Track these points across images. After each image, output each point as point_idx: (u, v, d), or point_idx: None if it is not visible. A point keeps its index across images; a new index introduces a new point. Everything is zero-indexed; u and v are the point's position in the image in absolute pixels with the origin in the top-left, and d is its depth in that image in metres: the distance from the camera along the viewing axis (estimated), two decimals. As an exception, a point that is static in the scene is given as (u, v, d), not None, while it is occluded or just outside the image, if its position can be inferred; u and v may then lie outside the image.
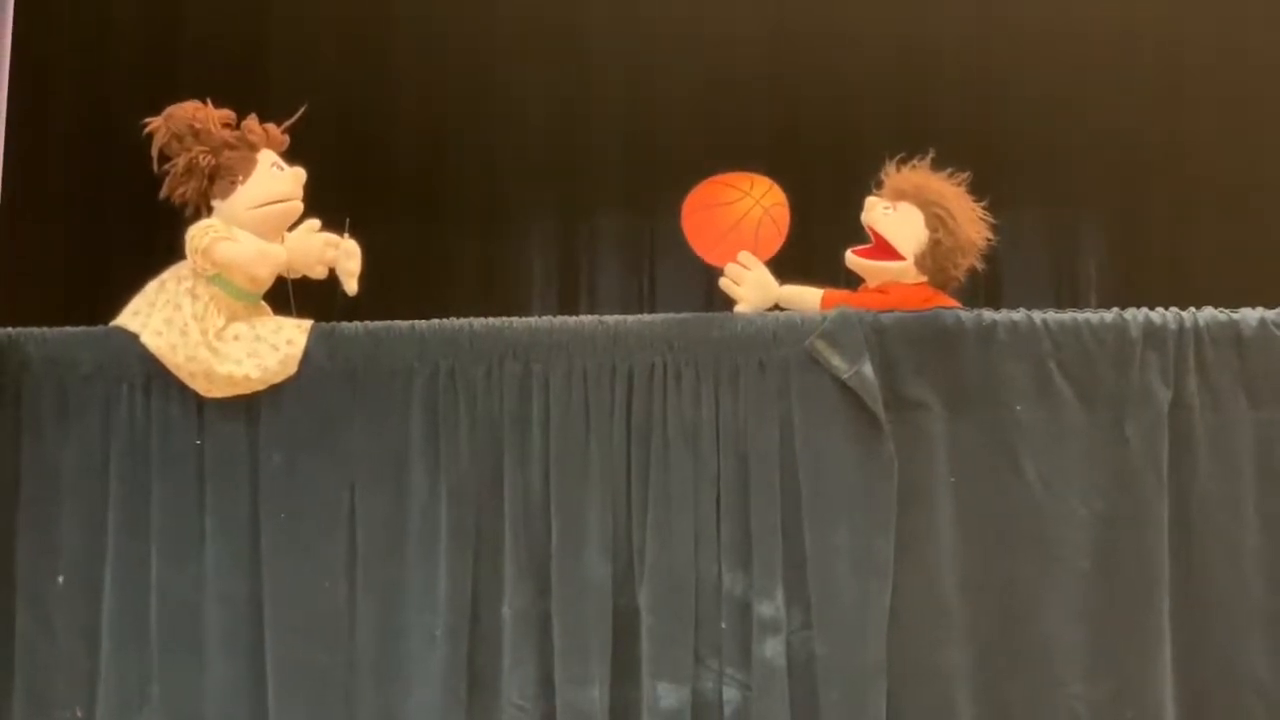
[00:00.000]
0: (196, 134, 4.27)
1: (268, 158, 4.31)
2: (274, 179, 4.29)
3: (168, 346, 4.16)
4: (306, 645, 4.12)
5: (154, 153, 4.30)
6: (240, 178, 4.27)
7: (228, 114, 4.33)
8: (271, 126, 4.36)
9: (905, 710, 4.03)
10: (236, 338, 4.17)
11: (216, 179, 4.27)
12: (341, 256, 4.30)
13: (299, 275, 4.34)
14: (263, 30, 7.41)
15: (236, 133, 4.31)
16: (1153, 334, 4.10)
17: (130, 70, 7.13)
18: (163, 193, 4.31)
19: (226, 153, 4.27)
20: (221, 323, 4.18)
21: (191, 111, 4.30)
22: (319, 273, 4.32)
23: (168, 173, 4.30)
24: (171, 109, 4.32)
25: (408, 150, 7.61)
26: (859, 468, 4.05)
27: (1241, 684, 4.04)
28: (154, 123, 4.30)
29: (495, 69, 7.50)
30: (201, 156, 4.26)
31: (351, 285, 4.30)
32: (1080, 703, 4.04)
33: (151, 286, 4.28)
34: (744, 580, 4.08)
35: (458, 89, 7.56)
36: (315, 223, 4.33)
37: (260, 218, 4.27)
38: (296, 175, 4.32)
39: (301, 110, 4.36)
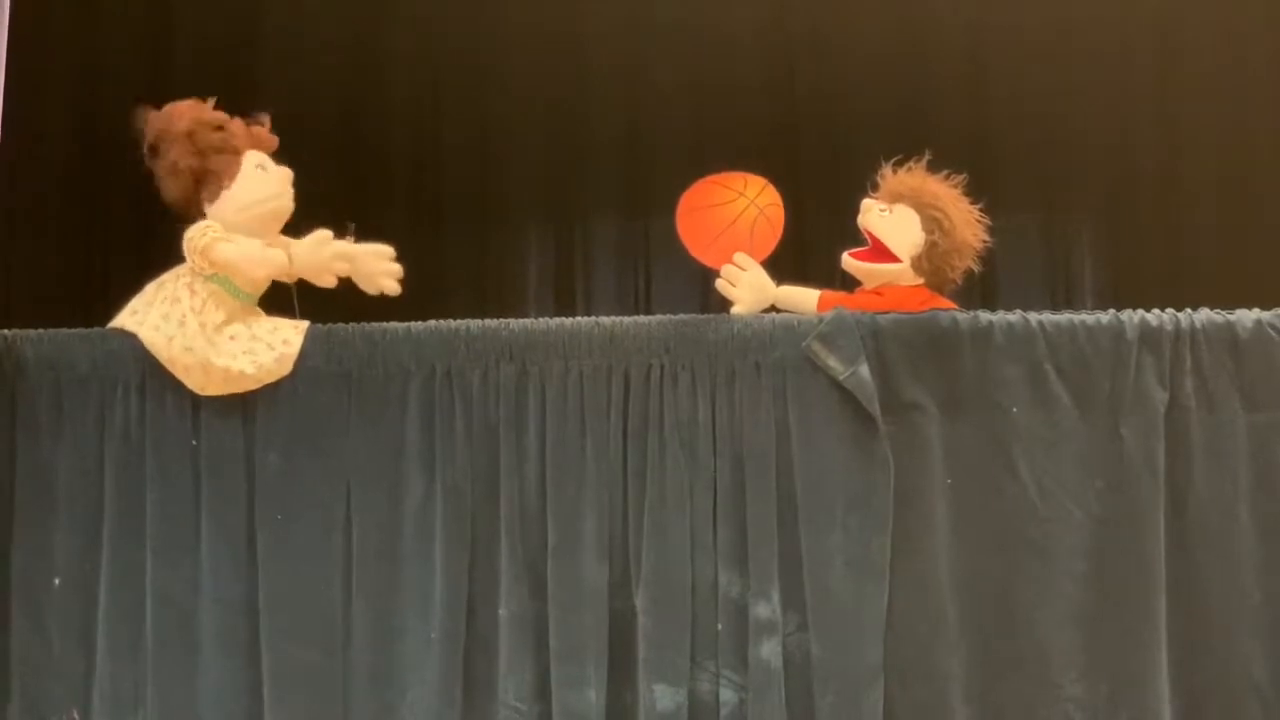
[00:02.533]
0: (190, 136, 4.27)
1: (252, 159, 4.30)
2: (257, 181, 4.29)
3: (164, 339, 4.15)
4: (302, 647, 4.12)
5: (144, 149, 4.29)
6: (226, 182, 4.27)
7: (222, 117, 4.33)
8: (259, 129, 4.35)
9: (900, 712, 4.03)
10: (233, 338, 4.17)
11: (204, 184, 4.28)
12: (371, 258, 4.26)
13: (296, 278, 4.33)
14: (258, 31, 7.41)
15: (222, 135, 4.30)
16: (1149, 336, 4.10)
17: (125, 72, 7.12)
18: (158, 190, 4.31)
19: (213, 157, 4.27)
20: (221, 317, 4.18)
21: (185, 112, 4.30)
22: (326, 281, 4.27)
23: (152, 163, 4.30)
24: (170, 108, 4.32)
25: (403, 152, 7.61)
26: (855, 470, 4.05)
27: (1238, 686, 4.05)
28: (150, 119, 4.29)
29: (491, 70, 7.49)
30: (184, 156, 4.25)
31: (392, 286, 4.27)
32: (1075, 704, 4.04)
33: (150, 287, 4.28)
34: (740, 582, 4.08)
35: (453, 90, 7.55)
36: (326, 234, 4.26)
37: (250, 220, 4.27)
38: (283, 175, 4.32)
39: (273, 112, 4.35)
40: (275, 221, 4.31)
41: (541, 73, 7.46)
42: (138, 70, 7.11)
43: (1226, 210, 7.18)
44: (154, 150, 4.30)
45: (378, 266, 4.26)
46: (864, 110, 7.20)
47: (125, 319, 4.25)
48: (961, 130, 6.97)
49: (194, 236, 4.20)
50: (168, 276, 4.28)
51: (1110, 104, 7.32)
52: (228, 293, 4.22)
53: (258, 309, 4.32)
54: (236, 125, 4.33)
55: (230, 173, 4.28)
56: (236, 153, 4.30)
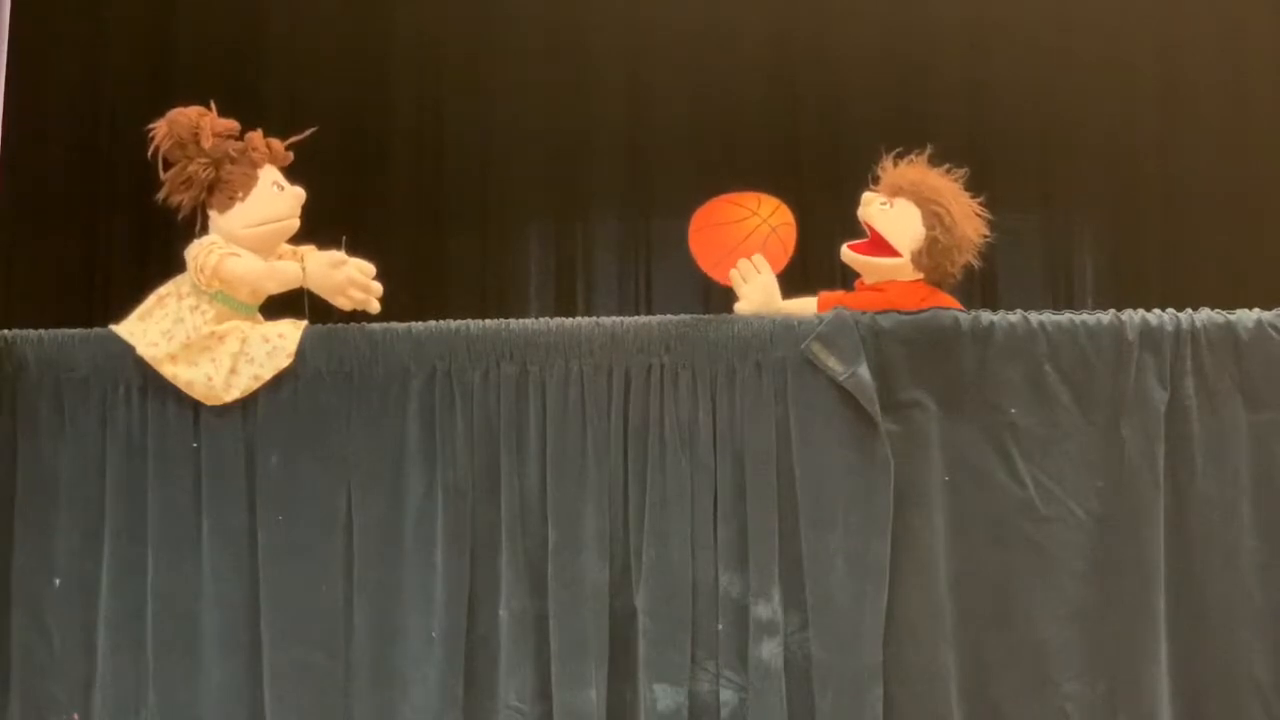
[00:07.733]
0: (199, 143, 4.23)
1: (269, 175, 4.27)
2: (274, 200, 4.26)
3: (166, 355, 4.14)
4: (304, 647, 4.11)
5: (155, 157, 4.25)
6: (240, 194, 4.24)
7: (232, 125, 4.27)
8: (275, 142, 4.31)
9: (900, 711, 4.02)
10: (233, 349, 4.15)
11: (215, 191, 4.24)
12: (356, 273, 4.24)
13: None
14: (260, 35, 7.41)
15: (240, 145, 4.26)
16: (1149, 335, 4.10)
17: (127, 75, 7.13)
18: (159, 195, 4.28)
19: (228, 166, 4.23)
20: (224, 333, 4.16)
21: (195, 118, 4.25)
22: (341, 304, 4.25)
23: (166, 174, 4.27)
24: (175, 113, 4.27)
25: (405, 152, 7.61)
26: (855, 470, 4.04)
27: (1239, 685, 4.04)
28: (157, 126, 4.27)
29: (492, 71, 7.50)
30: (201, 169, 4.22)
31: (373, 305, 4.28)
32: (1073, 703, 4.04)
33: (150, 300, 4.25)
34: (741, 582, 4.08)
35: (455, 90, 7.56)
36: (339, 255, 4.23)
37: (257, 237, 4.24)
38: (296, 195, 4.28)
39: (309, 131, 4.32)
40: (279, 241, 4.29)
41: (541, 74, 7.47)
42: (139, 72, 7.12)
43: (1226, 210, 7.18)
44: (167, 159, 4.26)
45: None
46: (863, 108, 7.21)
47: (122, 331, 4.22)
48: (961, 130, 6.97)
49: (199, 254, 4.17)
50: (168, 290, 4.25)
51: (1110, 104, 7.32)
52: (230, 308, 4.21)
53: (258, 316, 4.31)
54: (255, 137, 4.29)
55: (245, 185, 4.24)
56: (255, 165, 4.25)
